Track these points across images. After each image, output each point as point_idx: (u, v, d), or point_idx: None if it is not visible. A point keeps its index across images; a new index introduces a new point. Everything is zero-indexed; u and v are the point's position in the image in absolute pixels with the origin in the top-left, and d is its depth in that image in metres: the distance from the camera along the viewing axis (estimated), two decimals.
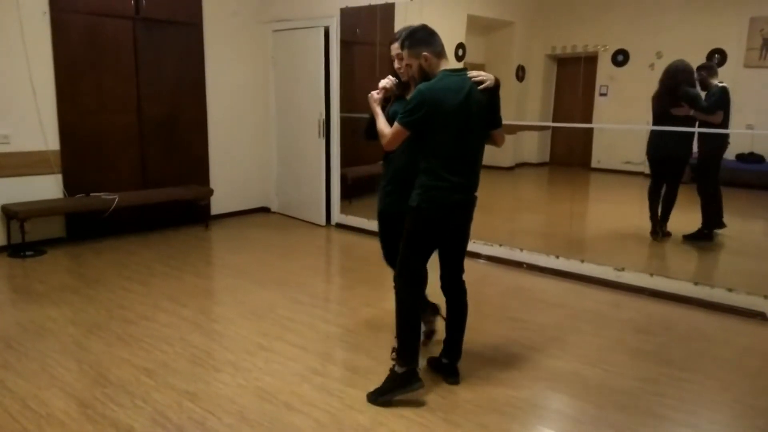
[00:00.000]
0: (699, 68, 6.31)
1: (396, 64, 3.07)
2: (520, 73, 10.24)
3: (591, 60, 9.31)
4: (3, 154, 5.21)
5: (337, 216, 6.60)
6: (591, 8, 9.00)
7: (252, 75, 6.89)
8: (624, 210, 6.66)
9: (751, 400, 3.00)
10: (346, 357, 3.40)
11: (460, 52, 8.68)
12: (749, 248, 5.74)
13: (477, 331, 3.78)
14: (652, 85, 8.70)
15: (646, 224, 5.96)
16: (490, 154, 10.33)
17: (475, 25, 9.00)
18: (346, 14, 6.18)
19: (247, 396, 2.89)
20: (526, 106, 10.15)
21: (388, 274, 4.43)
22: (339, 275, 5.35)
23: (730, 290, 4.21)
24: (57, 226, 5.60)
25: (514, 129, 9.94)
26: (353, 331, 3.73)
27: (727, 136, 5.55)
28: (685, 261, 5.58)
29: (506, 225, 6.64)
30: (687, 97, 5.53)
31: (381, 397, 2.87)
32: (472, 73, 2.86)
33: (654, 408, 2.87)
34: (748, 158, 7.83)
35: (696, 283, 4.36)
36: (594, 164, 7.38)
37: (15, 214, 5.06)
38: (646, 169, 8.91)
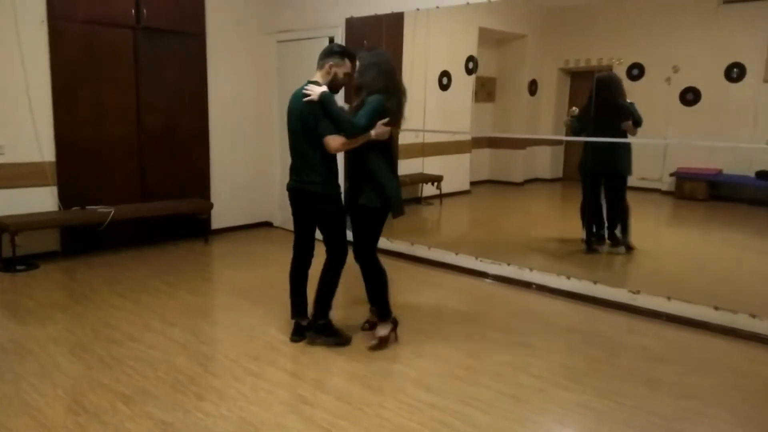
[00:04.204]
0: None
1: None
2: (533, 87, 10.05)
3: None
4: None
5: None
6: (605, 21, 8.80)
7: (256, 86, 6.75)
8: (639, 228, 6.40)
9: None
10: (339, 385, 3.17)
11: (470, 65, 8.50)
12: None
13: (481, 356, 3.55)
14: (669, 99, 8.45)
15: (662, 243, 5.72)
16: (500, 170, 10.19)
17: (487, 38, 8.82)
18: (352, 24, 6.02)
19: (228, 428, 2.68)
20: (538, 121, 9.93)
21: (395, 293, 4.20)
22: (340, 294, 5.13)
23: (753, 316, 3.94)
24: (51, 239, 5.45)
25: (524, 144, 9.74)
26: (350, 356, 3.51)
27: None
28: (703, 284, 5.30)
29: (515, 243, 6.40)
30: (631, 111, 5.53)
31: None
32: (307, 87, 3.43)
33: None
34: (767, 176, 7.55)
35: (716, 308, 4.09)
36: None
37: (6, 227, 4.91)
38: (663, 186, 8.65)
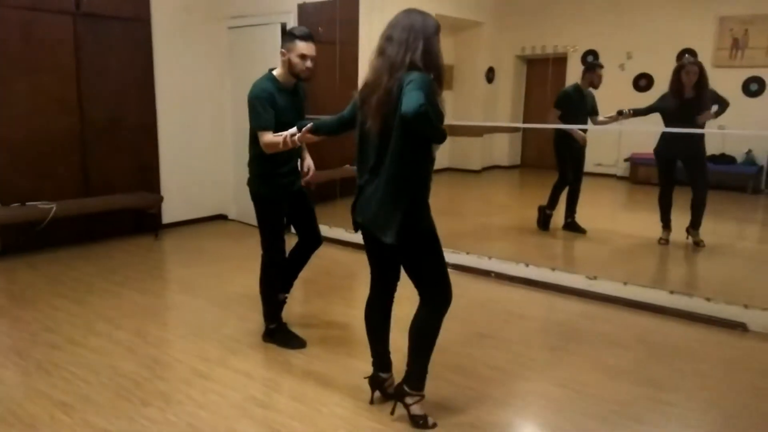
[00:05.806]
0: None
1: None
2: (490, 75, 10.03)
3: (560, 61, 9.13)
4: None
5: None
6: (560, 9, 8.82)
7: (206, 74, 6.50)
8: (596, 214, 6.44)
9: (737, 421, 2.74)
10: (294, 384, 3.05)
11: None
12: (725, 253, 5.55)
13: (440, 349, 3.46)
14: (624, 85, 8.49)
15: (616, 228, 5.76)
16: (458, 157, 10.12)
17: (443, 24, 8.73)
18: (305, 10, 5.85)
19: None
20: (496, 108, 9.94)
21: (350, 285, 4.09)
22: (296, 288, 5.00)
23: (708, 300, 3.98)
24: None
25: (481, 131, 9.73)
26: (306, 352, 3.39)
27: None
28: (659, 269, 5.36)
29: (473, 231, 6.37)
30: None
31: None
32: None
33: None
34: (720, 159, 7.70)
35: (672, 292, 4.12)
36: None
37: None
38: (618, 171, 8.72)
